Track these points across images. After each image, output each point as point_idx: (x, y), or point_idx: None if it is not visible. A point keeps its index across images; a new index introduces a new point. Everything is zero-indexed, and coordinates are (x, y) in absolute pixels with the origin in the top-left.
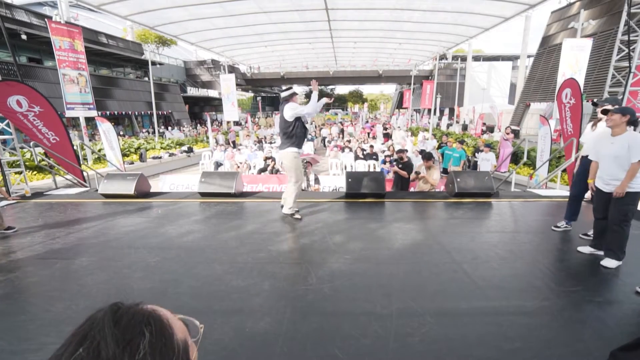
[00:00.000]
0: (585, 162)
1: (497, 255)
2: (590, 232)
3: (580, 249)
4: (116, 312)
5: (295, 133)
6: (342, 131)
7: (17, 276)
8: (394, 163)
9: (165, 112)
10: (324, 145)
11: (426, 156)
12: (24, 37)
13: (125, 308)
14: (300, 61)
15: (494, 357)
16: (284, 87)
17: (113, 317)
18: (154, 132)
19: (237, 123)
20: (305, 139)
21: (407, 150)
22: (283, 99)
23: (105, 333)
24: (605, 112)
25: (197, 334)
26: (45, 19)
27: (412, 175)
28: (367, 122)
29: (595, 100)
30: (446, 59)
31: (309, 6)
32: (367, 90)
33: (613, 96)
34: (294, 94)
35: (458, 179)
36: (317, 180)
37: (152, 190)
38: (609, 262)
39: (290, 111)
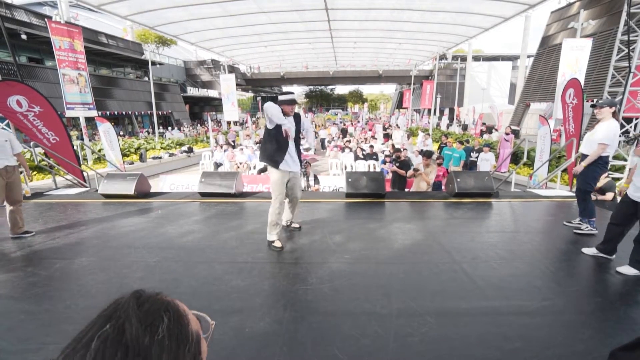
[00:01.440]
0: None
1: (497, 255)
2: (574, 220)
3: (584, 250)
4: (139, 298)
5: (274, 147)
6: (344, 131)
7: (17, 276)
8: (393, 163)
9: (165, 112)
10: (322, 147)
11: (426, 154)
12: (24, 37)
13: (146, 295)
14: (300, 61)
15: (494, 357)
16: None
17: (137, 301)
18: (153, 132)
19: (237, 123)
20: (287, 154)
21: (406, 150)
22: (278, 101)
23: (129, 313)
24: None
25: (208, 330)
26: (45, 19)
27: (410, 172)
28: (366, 122)
29: (594, 102)
30: (446, 59)
31: (308, 6)
32: (367, 90)
33: (609, 99)
34: (289, 101)
35: (458, 179)
36: (317, 180)
37: (152, 191)
38: (628, 270)
39: (268, 110)
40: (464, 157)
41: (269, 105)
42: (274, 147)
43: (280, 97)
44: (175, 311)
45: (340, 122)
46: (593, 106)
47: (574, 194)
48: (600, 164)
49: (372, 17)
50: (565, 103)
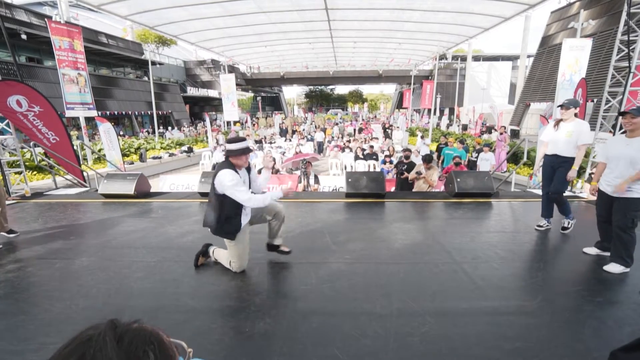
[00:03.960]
0: (548, 160)
1: (497, 255)
2: (542, 223)
3: (586, 250)
4: (116, 330)
5: (227, 214)
6: (360, 130)
7: (17, 276)
8: (400, 166)
9: (165, 112)
10: (319, 151)
11: (426, 159)
12: (24, 37)
13: (124, 326)
14: (300, 61)
15: (494, 357)
16: (232, 139)
17: (114, 335)
18: (153, 132)
19: (238, 123)
20: (243, 214)
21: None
22: (226, 152)
23: (107, 352)
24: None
25: (185, 358)
26: (45, 19)
27: (412, 175)
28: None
29: (563, 103)
30: (446, 59)
31: (308, 6)
32: (367, 90)
33: (574, 99)
34: (241, 151)
35: (458, 179)
36: (317, 180)
37: (152, 191)
38: (614, 267)
39: (221, 184)
40: (464, 156)
41: (229, 179)
42: (226, 215)
43: (230, 147)
44: (160, 343)
45: (346, 122)
46: (560, 106)
47: (552, 196)
48: (571, 163)
49: (372, 17)
50: None
